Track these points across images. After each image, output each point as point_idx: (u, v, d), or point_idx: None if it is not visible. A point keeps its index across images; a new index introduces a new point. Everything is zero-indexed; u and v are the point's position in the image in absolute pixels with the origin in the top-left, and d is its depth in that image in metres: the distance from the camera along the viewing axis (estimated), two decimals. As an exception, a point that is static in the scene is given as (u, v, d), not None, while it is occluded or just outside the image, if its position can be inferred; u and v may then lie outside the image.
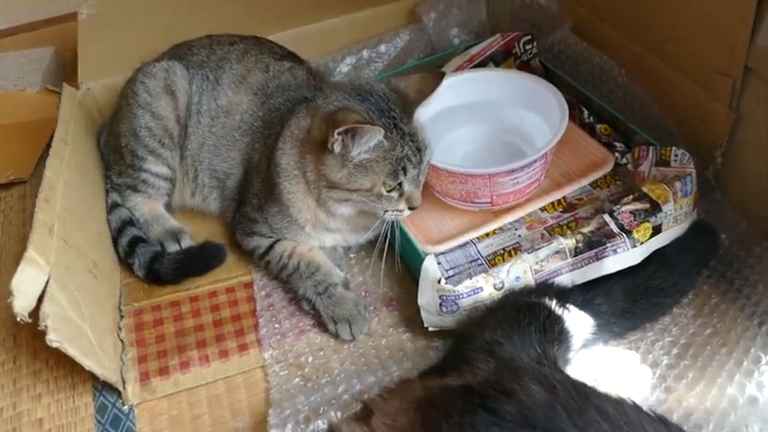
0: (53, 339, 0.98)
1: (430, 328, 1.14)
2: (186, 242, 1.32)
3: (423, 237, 1.22)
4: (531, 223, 1.24)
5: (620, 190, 1.27)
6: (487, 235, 1.23)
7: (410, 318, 1.19)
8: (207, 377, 1.15)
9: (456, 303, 1.09)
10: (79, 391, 1.15)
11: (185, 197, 1.38)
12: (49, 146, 1.27)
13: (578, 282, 1.11)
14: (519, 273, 1.09)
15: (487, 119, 1.38)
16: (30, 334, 1.19)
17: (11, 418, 1.11)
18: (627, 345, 1.11)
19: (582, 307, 1.06)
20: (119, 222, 1.33)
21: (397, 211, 1.13)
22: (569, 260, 1.10)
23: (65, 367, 1.17)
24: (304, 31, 1.63)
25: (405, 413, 0.83)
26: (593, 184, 1.28)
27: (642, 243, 1.10)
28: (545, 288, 1.08)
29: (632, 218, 1.11)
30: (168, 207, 1.39)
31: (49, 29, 2.04)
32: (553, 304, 1.02)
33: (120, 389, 1.12)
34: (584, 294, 1.08)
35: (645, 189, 1.13)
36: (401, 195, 1.12)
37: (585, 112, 1.38)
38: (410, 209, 1.14)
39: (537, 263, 1.10)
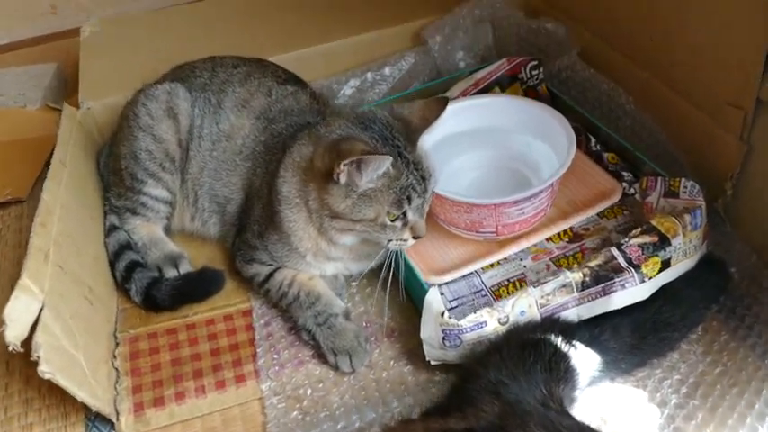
0: (45, 371, 0.96)
1: (432, 362, 1.12)
2: (185, 267, 1.30)
3: (426, 266, 1.19)
4: (537, 253, 1.22)
5: (627, 220, 1.25)
6: (492, 265, 1.21)
7: (412, 350, 1.16)
8: (203, 409, 1.12)
9: (459, 338, 1.06)
10: (71, 421, 1.12)
11: (185, 221, 1.36)
12: (47, 165, 1.25)
13: (585, 317, 1.09)
14: (524, 307, 1.07)
15: (494, 145, 1.36)
16: (22, 361, 1.16)
17: (1, 447, 1.09)
18: (634, 382, 1.08)
19: (588, 343, 1.03)
20: (116, 246, 1.31)
21: (401, 240, 1.11)
22: (576, 294, 1.07)
23: (57, 396, 1.14)
24: (308, 53, 1.62)
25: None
26: (600, 214, 1.26)
27: (651, 278, 1.08)
28: (551, 323, 1.06)
29: (640, 251, 1.09)
30: (167, 231, 1.37)
31: (52, 44, 2.02)
32: (559, 341, 1.00)
33: (114, 420, 1.10)
34: (590, 330, 1.06)
35: (654, 222, 1.11)
36: (405, 225, 1.10)
37: (593, 140, 1.36)
38: (414, 238, 1.12)
39: (543, 297, 1.07)
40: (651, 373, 1.09)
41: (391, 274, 1.14)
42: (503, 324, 1.06)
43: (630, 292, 1.08)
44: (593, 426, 0.85)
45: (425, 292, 1.10)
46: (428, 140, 1.17)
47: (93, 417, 1.12)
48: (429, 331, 1.09)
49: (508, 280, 1.18)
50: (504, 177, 1.34)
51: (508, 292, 1.15)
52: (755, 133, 1.16)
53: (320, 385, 1.14)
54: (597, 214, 1.26)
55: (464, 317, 1.06)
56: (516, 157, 1.35)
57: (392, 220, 1.08)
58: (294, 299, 1.20)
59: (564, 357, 0.98)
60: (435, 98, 1.17)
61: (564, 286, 1.07)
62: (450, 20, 1.65)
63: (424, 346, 1.10)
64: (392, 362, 1.16)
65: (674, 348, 1.12)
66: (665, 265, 1.09)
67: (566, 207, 1.27)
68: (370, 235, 1.11)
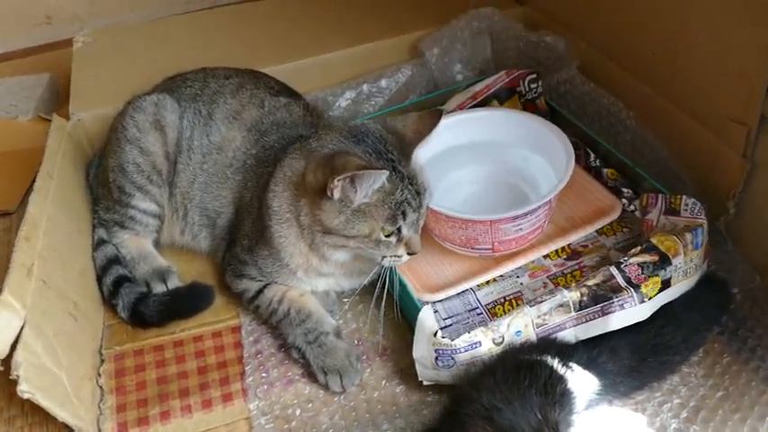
0: (25, 390, 0.93)
1: (425, 382, 1.08)
2: (173, 283, 1.27)
3: (420, 283, 1.17)
4: (534, 271, 1.19)
5: (626, 237, 1.23)
6: (488, 282, 1.18)
7: (404, 369, 1.13)
8: (188, 429, 1.09)
9: (453, 358, 1.03)
10: (54, 441, 1.09)
11: (174, 235, 1.33)
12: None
13: (582, 337, 1.06)
14: (520, 327, 1.04)
15: (491, 160, 1.33)
16: (4, 378, 1.12)
17: (-19, 468, 1.06)
18: (633, 405, 1.05)
19: (586, 365, 1.00)
20: (104, 260, 1.28)
21: (395, 256, 1.09)
22: (573, 314, 1.04)
23: (40, 415, 1.10)
24: (304, 64, 1.60)
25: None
26: (599, 231, 1.24)
27: (650, 298, 1.05)
28: (547, 344, 1.02)
29: (640, 271, 1.05)
30: (157, 244, 1.34)
31: (46, 54, 2.00)
32: (555, 363, 0.97)
33: (96, 440, 1.07)
34: (588, 352, 1.02)
35: (654, 240, 1.08)
36: (400, 240, 1.07)
37: (592, 155, 1.34)
38: (409, 254, 1.09)
39: (539, 317, 1.04)
40: (651, 396, 1.06)
41: (385, 291, 1.11)
42: (498, 344, 1.03)
43: (629, 312, 1.04)
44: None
45: (419, 309, 1.07)
46: (424, 154, 1.14)
47: (76, 436, 1.08)
48: (422, 351, 1.06)
49: (504, 298, 1.16)
50: (501, 192, 1.31)
51: (504, 311, 1.13)
52: (759, 150, 1.14)
53: (310, 405, 1.11)
54: (596, 231, 1.23)
55: (458, 336, 1.03)
56: (514, 172, 1.32)
57: (386, 236, 1.06)
58: (284, 316, 1.17)
59: (560, 380, 0.94)
60: (429, 111, 1.14)
61: (561, 306, 1.04)
62: (447, 32, 1.62)
63: (417, 366, 1.07)
64: (384, 381, 1.13)
65: (675, 371, 1.08)
66: (665, 284, 1.06)
67: (564, 224, 1.24)
68: (363, 251, 1.08)
